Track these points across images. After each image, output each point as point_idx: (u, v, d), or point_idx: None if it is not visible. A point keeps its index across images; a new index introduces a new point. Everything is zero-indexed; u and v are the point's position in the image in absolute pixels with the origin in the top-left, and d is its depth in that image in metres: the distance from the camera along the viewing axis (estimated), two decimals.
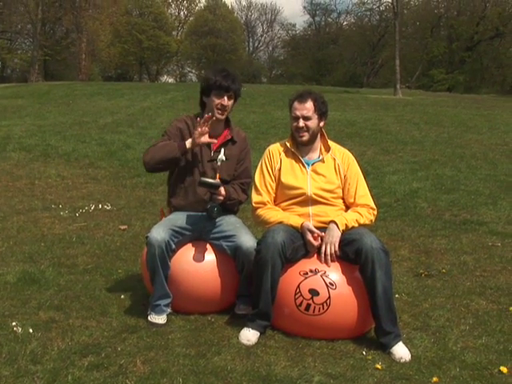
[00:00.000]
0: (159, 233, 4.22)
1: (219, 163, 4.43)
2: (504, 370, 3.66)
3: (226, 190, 4.39)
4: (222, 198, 4.36)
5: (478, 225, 7.34)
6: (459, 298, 4.96)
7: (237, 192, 4.54)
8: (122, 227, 6.85)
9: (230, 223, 4.45)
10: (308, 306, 3.98)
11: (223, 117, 4.51)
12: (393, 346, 3.88)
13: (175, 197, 4.59)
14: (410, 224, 7.37)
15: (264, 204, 4.38)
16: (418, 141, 14.26)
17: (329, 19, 71.51)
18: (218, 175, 4.42)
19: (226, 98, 4.44)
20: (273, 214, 4.31)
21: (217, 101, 4.43)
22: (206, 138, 4.37)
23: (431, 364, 3.75)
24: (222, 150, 4.47)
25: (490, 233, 7.00)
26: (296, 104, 4.33)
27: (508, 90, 50.41)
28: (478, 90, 51.22)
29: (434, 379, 3.53)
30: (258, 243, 4.15)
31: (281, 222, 4.21)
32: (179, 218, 4.43)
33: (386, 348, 3.91)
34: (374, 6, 55.75)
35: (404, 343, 3.94)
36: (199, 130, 4.32)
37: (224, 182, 4.46)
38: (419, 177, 10.17)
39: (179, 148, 4.37)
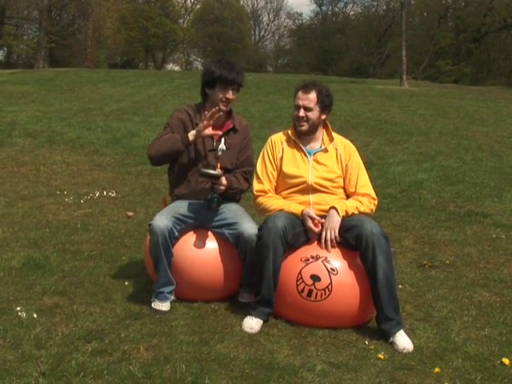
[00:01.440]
0: (162, 220, 4.23)
1: (220, 153, 4.41)
2: (506, 361, 3.67)
3: (227, 180, 4.40)
4: (223, 188, 4.37)
5: (483, 217, 7.33)
6: (462, 290, 4.96)
7: (239, 181, 4.55)
8: (129, 213, 6.86)
9: (231, 211, 4.46)
10: (310, 291, 4.00)
11: (227, 108, 4.52)
12: (394, 333, 3.88)
13: (178, 186, 4.60)
14: (414, 215, 7.36)
15: (265, 192, 4.40)
16: (423, 132, 14.24)
17: (336, 9, 71.23)
18: (219, 165, 4.42)
19: (230, 91, 4.46)
20: (273, 201, 4.34)
21: (221, 94, 4.44)
22: (209, 131, 4.37)
23: (433, 355, 3.76)
24: (223, 139, 4.45)
25: (495, 225, 7.00)
26: (300, 93, 4.36)
27: None
28: (485, 81, 50.95)
29: (436, 370, 3.54)
30: (259, 229, 4.17)
31: (281, 210, 4.24)
32: (181, 206, 4.44)
33: (387, 335, 3.91)
34: None
35: (406, 333, 3.94)
36: (205, 123, 4.32)
37: (226, 170, 4.47)
38: (424, 168, 10.17)
39: (182, 141, 4.38)
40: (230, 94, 4.45)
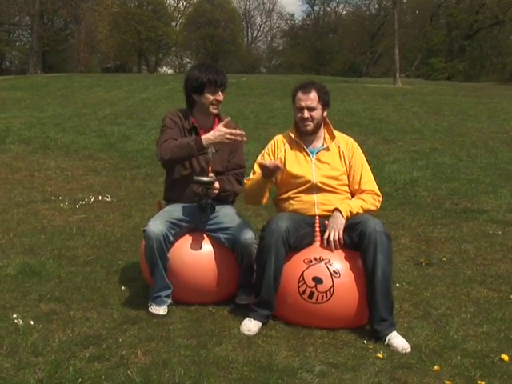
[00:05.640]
0: (156, 226, 4.22)
1: (210, 155, 4.43)
2: (505, 357, 3.66)
3: (220, 183, 4.41)
4: (216, 191, 4.40)
5: (479, 213, 7.32)
6: (460, 287, 4.96)
7: (231, 183, 4.56)
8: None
9: (226, 214, 4.45)
10: (311, 293, 3.98)
11: (218, 111, 4.56)
12: (387, 334, 3.87)
13: (172, 190, 4.60)
14: (410, 213, 7.35)
15: None
16: (417, 130, 14.24)
17: (328, 8, 71.28)
18: (210, 168, 4.44)
19: (220, 93, 4.50)
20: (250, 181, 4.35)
21: (212, 97, 4.48)
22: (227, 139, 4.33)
23: (432, 352, 3.75)
24: None
25: (491, 221, 6.99)
26: (300, 95, 4.35)
27: (508, 78, 50.23)
28: (478, 78, 51.13)
29: (436, 368, 3.53)
30: (261, 230, 4.16)
31: (256, 180, 4.24)
32: (176, 210, 4.43)
33: (379, 336, 3.90)
34: None
35: (403, 333, 3.93)
36: (228, 131, 4.25)
37: (217, 173, 4.48)
38: (419, 166, 10.17)
39: (197, 147, 4.29)
40: (220, 96, 4.50)
